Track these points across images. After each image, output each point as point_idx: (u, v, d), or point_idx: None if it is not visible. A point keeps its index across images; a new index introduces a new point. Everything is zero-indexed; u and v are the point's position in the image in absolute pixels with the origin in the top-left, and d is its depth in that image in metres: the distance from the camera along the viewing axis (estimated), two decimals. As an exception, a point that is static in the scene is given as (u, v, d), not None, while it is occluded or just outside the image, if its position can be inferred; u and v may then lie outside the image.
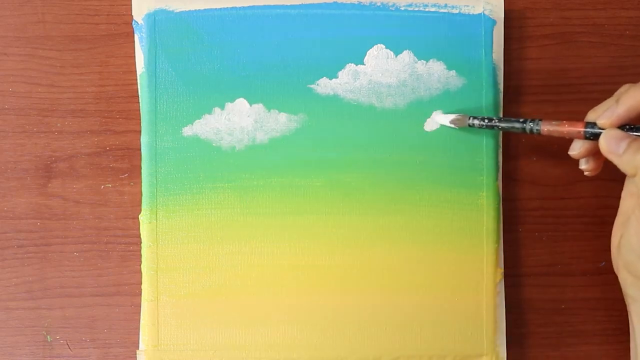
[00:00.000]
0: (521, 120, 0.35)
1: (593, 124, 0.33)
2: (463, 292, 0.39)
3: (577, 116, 0.40)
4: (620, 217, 0.34)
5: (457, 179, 0.39)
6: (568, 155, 0.35)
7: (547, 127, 0.34)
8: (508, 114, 0.40)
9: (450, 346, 0.38)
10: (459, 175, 0.39)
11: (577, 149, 0.34)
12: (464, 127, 0.38)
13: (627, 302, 0.34)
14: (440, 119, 0.38)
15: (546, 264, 0.41)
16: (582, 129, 0.33)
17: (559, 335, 0.41)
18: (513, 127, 0.36)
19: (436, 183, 0.39)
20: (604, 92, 0.41)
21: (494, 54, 0.39)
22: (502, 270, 0.39)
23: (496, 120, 0.36)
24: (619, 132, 0.32)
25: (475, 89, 0.39)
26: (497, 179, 0.39)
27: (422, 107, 0.39)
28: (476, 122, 0.37)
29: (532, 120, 0.35)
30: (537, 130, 0.35)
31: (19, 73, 0.40)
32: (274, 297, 0.38)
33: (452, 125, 0.38)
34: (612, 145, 0.32)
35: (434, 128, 0.39)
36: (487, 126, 0.37)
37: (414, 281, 0.39)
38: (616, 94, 0.33)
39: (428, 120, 0.39)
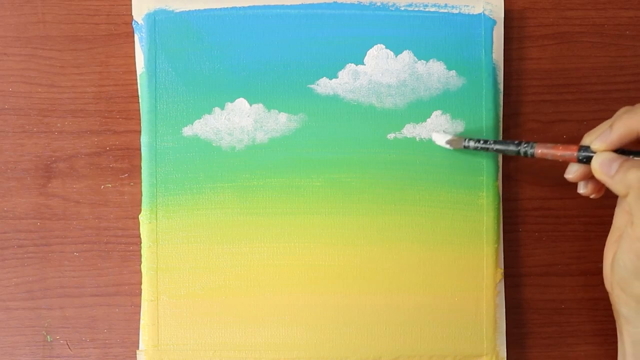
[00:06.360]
0: (516, 142, 0.36)
1: (587, 148, 0.33)
2: (463, 292, 0.39)
3: (577, 116, 0.41)
4: (613, 234, 0.34)
5: (457, 179, 0.39)
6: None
7: (541, 150, 0.35)
8: (508, 114, 0.40)
9: (450, 346, 0.38)
10: (459, 175, 0.39)
11: (572, 172, 0.35)
12: (459, 148, 0.38)
13: (618, 323, 0.34)
14: (436, 139, 0.38)
15: (546, 264, 0.41)
16: (576, 153, 0.33)
17: (559, 335, 0.41)
18: (508, 150, 0.36)
19: (436, 183, 0.39)
20: (604, 92, 0.41)
21: (494, 54, 0.39)
22: (502, 270, 0.39)
23: (491, 142, 0.36)
24: (611, 154, 0.32)
25: (475, 89, 0.39)
26: (497, 179, 0.39)
27: (422, 107, 0.39)
28: (471, 143, 0.37)
29: (527, 143, 0.35)
30: (531, 153, 0.35)
31: (19, 73, 0.40)
32: (274, 297, 0.38)
33: (448, 146, 0.38)
34: (604, 167, 0.32)
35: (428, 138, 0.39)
36: (482, 148, 0.37)
37: (414, 281, 0.39)
38: (612, 118, 0.33)
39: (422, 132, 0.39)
